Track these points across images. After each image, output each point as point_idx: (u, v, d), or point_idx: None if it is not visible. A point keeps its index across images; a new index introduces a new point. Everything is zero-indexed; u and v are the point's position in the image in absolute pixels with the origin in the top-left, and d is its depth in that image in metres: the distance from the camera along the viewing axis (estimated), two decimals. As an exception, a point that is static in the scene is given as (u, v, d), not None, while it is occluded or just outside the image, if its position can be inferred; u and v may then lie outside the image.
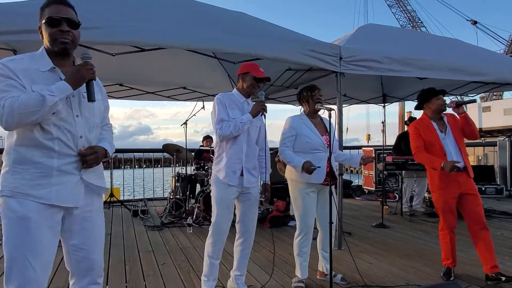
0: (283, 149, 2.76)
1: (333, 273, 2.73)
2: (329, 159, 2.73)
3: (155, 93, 6.50)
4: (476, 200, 2.87)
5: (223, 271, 3.09)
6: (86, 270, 1.62)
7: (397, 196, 6.74)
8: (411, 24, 38.71)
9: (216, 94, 2.56)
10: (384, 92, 7.09)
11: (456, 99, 3.10)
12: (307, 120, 2.82)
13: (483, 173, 6.87)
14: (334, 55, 3.73)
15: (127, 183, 7.61)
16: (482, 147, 10.10)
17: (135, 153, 7.92)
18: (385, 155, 6.06)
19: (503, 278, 2.71)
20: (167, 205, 5.63)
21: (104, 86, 1.82)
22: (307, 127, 2.78)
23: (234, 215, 2.62)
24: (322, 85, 4.30)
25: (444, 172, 2.83)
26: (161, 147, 6.19)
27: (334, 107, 2.86)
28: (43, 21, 1.51)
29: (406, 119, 8.90)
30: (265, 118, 2.58)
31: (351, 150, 8.03)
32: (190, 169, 6.03)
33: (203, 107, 5.35)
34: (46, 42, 1.54)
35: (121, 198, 6.89)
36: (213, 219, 2.51)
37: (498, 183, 7.17)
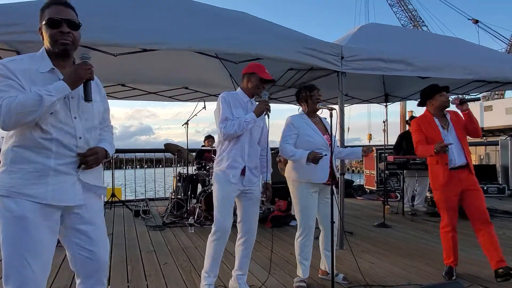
0: (284, 145, 2.72)
1: (335, 272, 2.73)
2: (330, 159, 2.73)
3: (157, 93, 6.51)
4: (478, 195, 2.85)
5: (224, 270, 3.09)
6: (92, 271, 1.62)
7: (398, 195, 6.74)
8: (412, 24, 38.62)
9: (218, 94, 2.57)
10: (386, 92, 7.08)
11: (461, 96, 3.09)
12: (307, 119, 2.82)
13: (485, 172, 6.86)
14: (335, 55, 3.73)
15: (128, 183, 7.61)
16: (483, 146, 10.07)
17: (136, 153, 7.94)
18: (387, 154, 6.05)
19: None
20: (168, 205, 5.63)
21: (106, 86, 1.82)
22: (308, 127, 2.78)
23: (235, 215, 2.62)
24: (323, 85, 4.30)
25: (445, 169, 2.84)
26: (163, 147, 6.19)
27: (336, 107, 2.86)
28: (44, 22, 1.51)
29: (407, 118, 8.89)
30: (268, 118, 2.58)
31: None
32: (192, 169, 6.04)
33: (205, 107, 5.35)
34: (46, 43, 1.54)
35: (123, 198, 6.89)
36: (215, 217, 2.51)
37: (500, 182, 7.16)
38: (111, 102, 2.18)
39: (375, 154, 7.75)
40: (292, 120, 2.80)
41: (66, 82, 1.46)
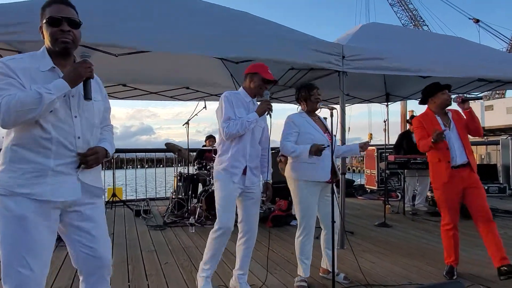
0: (285, 143, 2.71)
1: (336, 272, 2.74)
2: (331, 157, 2.73)
3: (158, 93, 6.51)
4: (480, 193, 2.85)
5: (225, 270, 3.10)
6: (93, 268, 1.62)
7: (399, 195, 6.73)
8: (413, 23, 38.58)
9: (218, 94, 2.58)
10: (387, 91, 7.08)
11: (461, 95, 3.09)
12: (308, 118, 2.82)
13: (486, 172, 6.85)
14: (336, 54, 3.72)
15: (129, 183, 7.61)
16: (484, 146, 10.05)
17: (137, 153, 7.93)
18: (388, 154, 6.05)
19: None
20: (169, 204, 5.63)
21: (107, 86, 1.82)
22: (309, 125, 2.78)
23: (236, 215, 2.62)
24: (324, 85, 4.31)
25: (447, 167, 2.84)
26: (164, 146, 6.20)
27: (337, 106, 2.86)
28: (44, 20, 1.51)
29: (408, 117, 8.87)
30: (271, 117, 2.58)
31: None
32: (192, 169, 6.04)
33: (205, 107, 5.35)
34: (47, 42, 1.54)
35: (124, 198, 6.89)
36: (218, 215, 2.49)
37: (501, 182, 7.15)
38: (112, 102, 2.20)
39: (376, 154, 7.76)
40: (293, 119, 2.80)
41: (66, 80, 1.46)
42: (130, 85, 5.94)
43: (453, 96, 3.04)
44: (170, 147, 6.00)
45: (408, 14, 39.13)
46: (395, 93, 7.08)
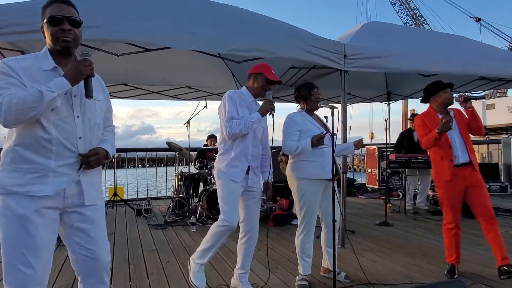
0: (288, 143, 2.70)
1: (337, 271, 2.74)
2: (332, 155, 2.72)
3: (159, 93, 6.52)
4: (482, 192, 2.85)
5: (226, 269, 3.10)
6: (92, 269, 1.62)
7: (400, 194, 6.73)
8: (414, 22, 38.53)
9: (220, 93, 2.58)
10: (388, 90, 7.07)
11: (462, 94, 3.09)
12: (308, 116, 2.82)
13: (488, 171, 6.83)
14: (338, 53, 3.72)
15: (130, 182, 7.62)
16: (486, 145, 10.04)
17: (138, 153, 7.93)
18: (389, 153, 6.04)
19: None
20: (170, 204, 5.64)
21: (108, 86, 1.82)
22: (310, 123, 2.78)
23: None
24: (325, 83, 4.31)
25: (450, 166, 2.84)
26: (165, 146, 6.20)
27: (338, 105, 2.86)
28: (45, 20, 1.52)
29: (409, 116, 8.86)
30: (273, 117, 2.59)
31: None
32: (193, 168, 6.04)
33: (206, 106, 5.35)
34: (48, 41, 1.55)
35: (125, 197, 6.91)
36: (224, 212, 2.47)
37: (502, 180, 7.14)
38: (113, 102, 2.19)
39: (377, 153, 7.75)
40: (294, 117, 2.80)
41: (67, 78, 1.46)
42: (131, 85, 5.95)
43: (455, 95, 3.03)
44: (171, 146, 6.00)
45: (409, 13, 39.09)
46: (396, 92, 7.07)
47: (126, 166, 8.06)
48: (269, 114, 2.54)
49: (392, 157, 5.44)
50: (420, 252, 3.61)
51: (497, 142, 8.65)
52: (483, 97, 3.90)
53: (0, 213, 1.47)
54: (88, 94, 1.53)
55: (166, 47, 3.12)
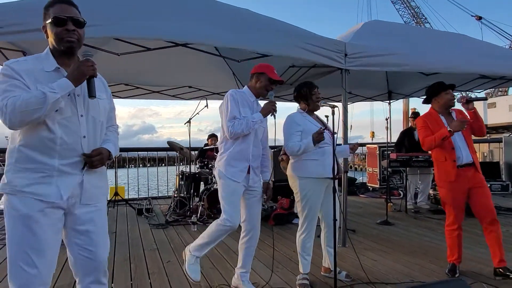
0: (290, 145, 2.70)
1: (338, 270, 2.74)
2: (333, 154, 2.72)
3: (160, 92, 6.53)
4: (485, 193, 2.85)
5: (227, 268, 3.10)
6: (90, 270, 1.63)
7: (401, 193, 6.72)
8: (415, 21, 38.42)
9: (220, 93, 2.58)
10: (389, 89, 7.05)
11: (464, 94, 3.09)
12: (309, 116, 2.82)
13: (489, 169, 6.81)
14: (339, 52, 3.71)
15: (131, 182, 7.63)
16: (487, 144, 10.01)
17: (139, 152, 7.93)
18: (389, 152, 6.04)
19: (511, 275, 2.71)
20: (171, 203, 5.64)
21: (109, 86, 1.82)
22: (311, 123, 2.78)
23: None
24: (326, 82, 4.30)
25: (454, 167, 2.84)
26: (166, 145, 6.21)
27: (339, 104, 2.86)
28: (49, 20, 1.52)
29: (410, 115, 8.86)
30: (275, 118, 2.59)
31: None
32: (194, 168, 6.05)
33: (207, 106, 5.36)
34: (51, 41, 1.55)
35: (126, 197, 6.92)
36: (226, 211, 2.46)
37: (504, 179, 7.12)
38: (114, 101, 2.19)
39: (377, 152, 7.75)
40: (295, 118, 2.80)
41: (69, 79, 1.47)
42: (132, 84, 5.96)
43: (457, 96, 3.03)
44: (172, 145, 6.01)
45: (410, 12, 38.98)
46: (397, 90, 7.06)
47: (127, 166, 8.07)
48: (271, 115, 2.54)
49: (393, 156, 5.43)
50: (421, 251, 3.60)
51: (499, 141, 8.64)
52: (485, 99, 3.89)
53: (6, 213, 1.49)
54: (91, 94, 1.55)
55: (170, 41, 3.11)
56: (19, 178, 1.47)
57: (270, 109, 2.49)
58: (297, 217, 2.87)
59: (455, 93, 3.06)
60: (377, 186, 7.73)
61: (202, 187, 5.83)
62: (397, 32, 4.89)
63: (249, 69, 2.72)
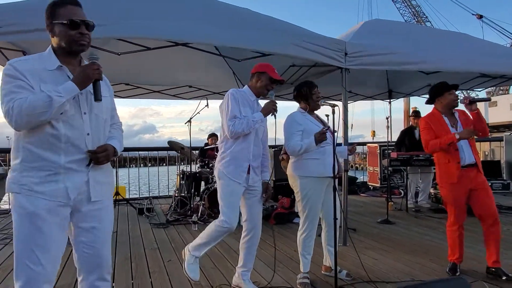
0: (291, 144, 2.70)
1: (338, 269, 2.74)
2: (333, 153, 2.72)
3: (160, 92, 6.53)
4: (487, 193, 2.85)
5: (228, 268, 3.11)
6: (93, 267, 1.64)
7: (402, 192, 6.72)
8: (416, 19, 38.36)
9: (221, 92, 2.58)
10: (390, 88, 7.04)
11: (467, 94, 3.08)
12: (309, 116, 2.82)
13: (490, 168, 6.80)
14: (339, 51, 3.70)
15: (132, 181, 7.64)
16: (488, 142, 10.00)
17: (140, 152, 7.93)
18: (390, 151, 6.03)
19: (504, 278, 2.72)
20: (172, 203, 5.65)
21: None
22: (312, 122, 2.78)
23: (239, 214, 2.63)
24: (326, 81, 4.30)
25: (457, 168, 2.84)
26: (167, 144, 6.22)
27: (339, 103, 2.86)
28: (61, 21, 1.53)
29: (410, 113, 8.85)
30: (275, 118, 2.59)
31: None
32: (195, 167, 6.05)
33: (207, 105, 5.36)
34: (59, 41, 1.56)
35: (127, 196, 6.93)
36: (224, 213, 2.46)
37: (505, 178, 7.11)
38: (115, 101, 2.20)
39: (378, 151, 7.74)
40: (295, 117, 2.79)
41: (75, 83, 1.49)
42: (132, 84, 5.96)
43: (460, 97, 3.02)
44: (172, 145, 6.02)
45: (410, 11, 38.93)
46: (397, 89, 7.05)
47: (128, 166, 8.08)
48: (272, 115, 2.54)
49: (394, 155, 5.43)
50: (422, 250, 3.60)
51: (500, 139, 8.62)
52: (489, 99, 3.88)
53: (13, 211, 1.51)
54: (97, 97, 1.56)
55: (171, 40, 3.11)
56: (27, 177, 1.48)
57: (271, 109, 2.50)
58: (298, 216, 2.87)
59: (457, 93, 3.05)
60: (378, 185, 7.72)
61: (202, 186, 5.83)
62: (397, 30, 4.88)
63: (249, 69, 2.72)
